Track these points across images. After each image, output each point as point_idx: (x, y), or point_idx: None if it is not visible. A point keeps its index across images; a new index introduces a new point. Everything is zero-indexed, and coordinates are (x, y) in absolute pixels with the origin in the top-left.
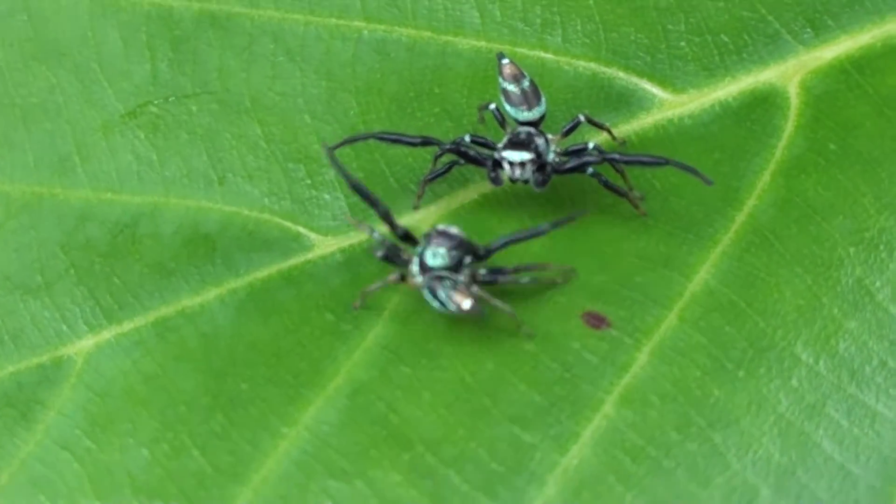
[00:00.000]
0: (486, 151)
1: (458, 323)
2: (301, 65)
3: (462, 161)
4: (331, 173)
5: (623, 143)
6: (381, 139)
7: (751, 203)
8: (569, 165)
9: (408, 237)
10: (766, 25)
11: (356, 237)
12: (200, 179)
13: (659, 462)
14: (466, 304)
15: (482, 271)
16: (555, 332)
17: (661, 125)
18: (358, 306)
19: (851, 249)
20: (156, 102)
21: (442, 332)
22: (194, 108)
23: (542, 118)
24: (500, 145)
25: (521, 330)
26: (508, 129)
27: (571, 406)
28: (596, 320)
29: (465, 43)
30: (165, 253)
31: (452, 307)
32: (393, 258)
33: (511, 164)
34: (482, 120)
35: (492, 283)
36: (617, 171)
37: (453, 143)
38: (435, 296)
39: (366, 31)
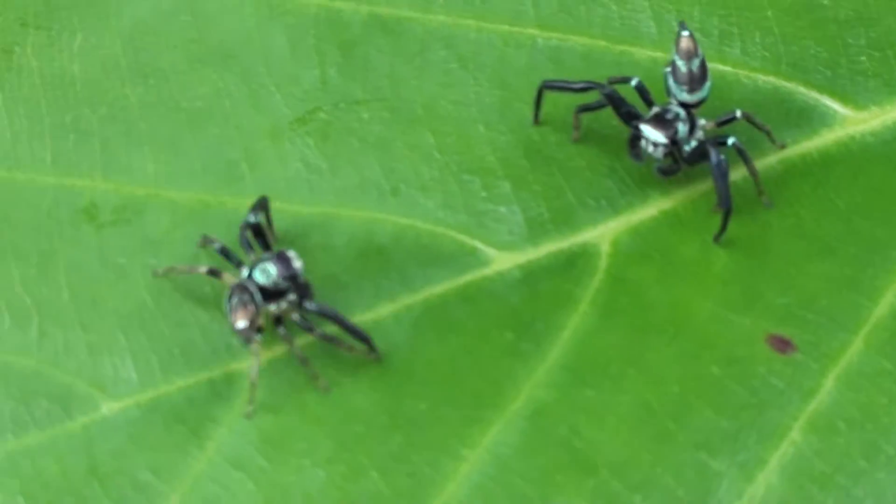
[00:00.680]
0: (634, 112)
1: (641, 346)
2: (474, 73)
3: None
4: (507, 186)
5: (783, 146)
6: (549, 87)
7: None
8: (691, 155)
9: (259, 233)
10: None
11: (534, 253)
12: (373, 190)
13: (847, 491)
14: (240, 323)
15: (295, 315)
16: (740, 355)
17: (843, 142)
18: (158, 272)
19: None
20: (325, 109)
21: (625, 354)
22: (365, 116)
23: (700, 103)
24: (646, 116)
25: (318, 382)
26: (656, 106)
27: (758, 432)
28: (782, 344)
29: (642, 53)
30: (338, 265)
31: (230, 319)
32: (227, 255)
33: (646, 139)
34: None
35: (303, 329)
36: (744, 160)
37: (613, 90)
38: (229, 300)
39: (540, 39)
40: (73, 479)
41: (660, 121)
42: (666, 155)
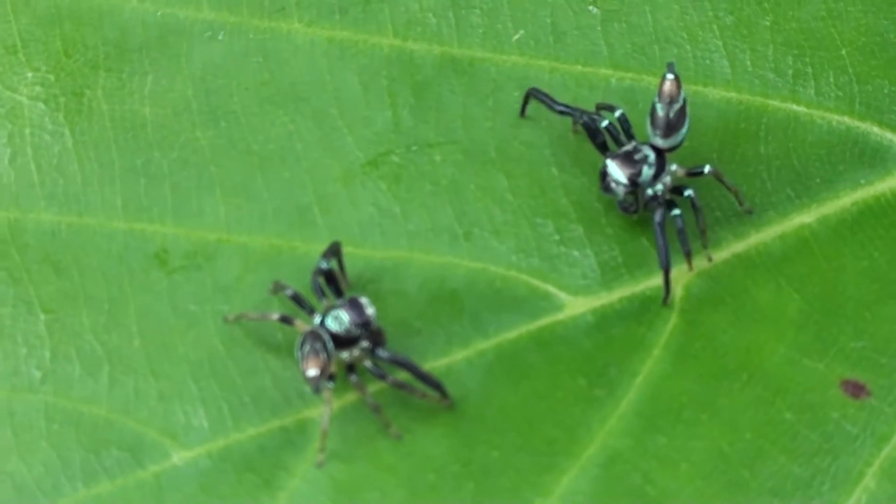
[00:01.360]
0: (611, 142)
1: (713, 391)
2: (547, 114)
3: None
4: (580, 230)
5: (749, 211)
6: (535, 96)
7: None
8: (650, 201)
9: (331, 279)
10: None
11: (607, 297)
12: (445, 234)
13: None
14: (311, 371)
15: (367, 362)
16: (813, 401)
17: None
18: (230, 318)
19: None
20: (398, 151)
21: (698, 400)
22: (438, 158)
23: (673, 148)
24: (616, 152)
25: (390, 430)
26: (633, 142)
27: (832, 479)
28: (856, 389)
29: (715, 93)
30: (410, 311)
31: (301, 366)
32: (300, 302)
33: (609, 175)
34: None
35: (375, 376)
36: (696, 213)
37: (591, 118)
38: (301, 346)
39: (613, 80)
40: None
41: (627, 159)
42: (626, 194)
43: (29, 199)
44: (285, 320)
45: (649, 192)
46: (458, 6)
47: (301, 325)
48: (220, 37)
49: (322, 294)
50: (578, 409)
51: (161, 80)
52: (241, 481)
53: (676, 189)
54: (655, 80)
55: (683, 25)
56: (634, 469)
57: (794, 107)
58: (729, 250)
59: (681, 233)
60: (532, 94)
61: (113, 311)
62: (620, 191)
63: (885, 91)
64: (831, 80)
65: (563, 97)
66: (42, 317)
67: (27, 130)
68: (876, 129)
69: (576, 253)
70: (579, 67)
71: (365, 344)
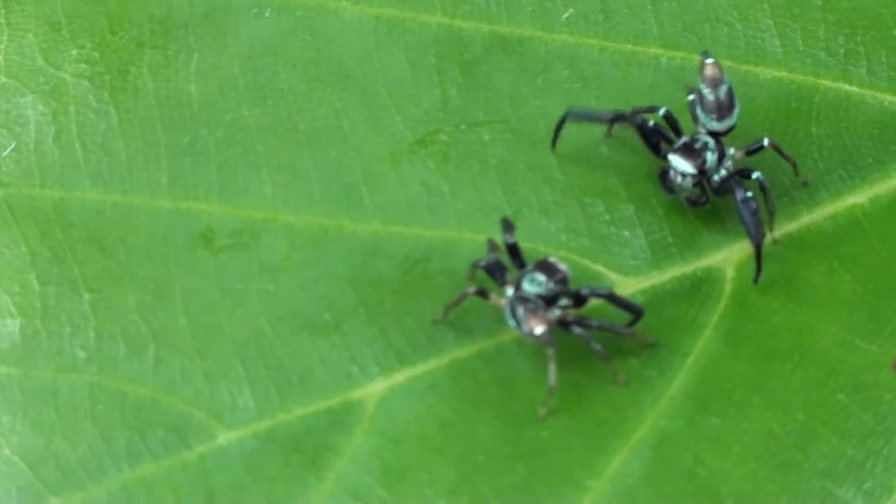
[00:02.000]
0: (664, 142)
1: (765, 372)
2: (597, 93)
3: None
4: (630, 209)
5: (805, 182)
6: (575, 117)
7: None
8: (720, 186)
9: (515, 253)
10: None
11: (657, 278)
12: (494, 213)
13: None
14: (538, 329)
15: (571, 316)
16: (866, 382)
17: None
18: (439, 320)
19: None
20: (446, 130)
21: (750, 381)
22: (486, 137)
23: (729, 130)
24: (674, 146)
25: (617, 378)
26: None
27: (885, 461)
28: None
29: (766, 73)
30: (460, 290)
31: (525, 329)
32: (493, 272)
33: (674, 170)
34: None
35: (581, 327)
36: (765, 195)
37: (643, 119)
38: (514, 314)
39: (663, 59)
40: None
41: (688, 150)
42: (695, 185)
43: (74, 178)
44: (481, 293)
45: (715, 178)
46: None
47: (496, 299)
48: (266, 14)
49: (505, 270)
50: (629, 389)
51: (207, 58)
52: (287, 462)
53: (741, 172)
54: None
55: (734, 4)
56: (685, 450)
57: (846, 86)
58: (781, 231)
59: (755, 213)
60: (571, 116)
61: (158, 291)
62: (688, 183)
63: None
64: (883, 59)
65: (613, 77)
66: (87, 296)
67: (72, 108)
68: None
69: (626, 233)
70: (629, 46)
71: (565, 301)
